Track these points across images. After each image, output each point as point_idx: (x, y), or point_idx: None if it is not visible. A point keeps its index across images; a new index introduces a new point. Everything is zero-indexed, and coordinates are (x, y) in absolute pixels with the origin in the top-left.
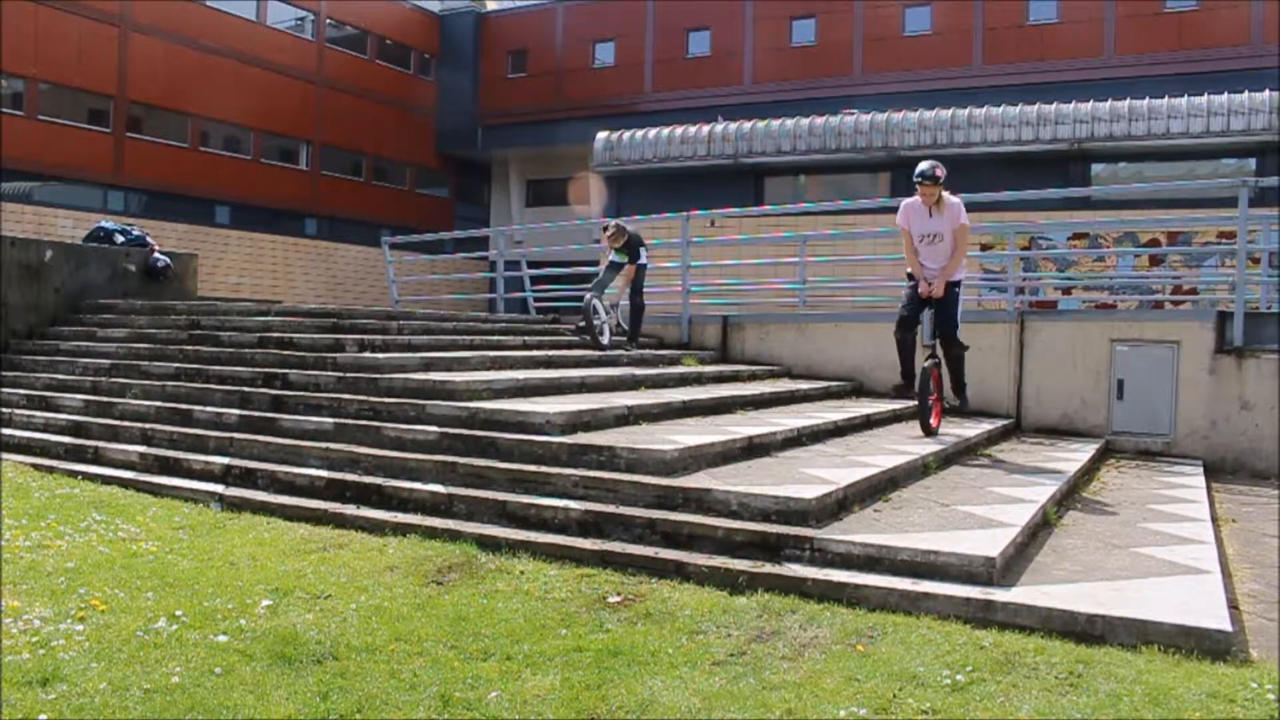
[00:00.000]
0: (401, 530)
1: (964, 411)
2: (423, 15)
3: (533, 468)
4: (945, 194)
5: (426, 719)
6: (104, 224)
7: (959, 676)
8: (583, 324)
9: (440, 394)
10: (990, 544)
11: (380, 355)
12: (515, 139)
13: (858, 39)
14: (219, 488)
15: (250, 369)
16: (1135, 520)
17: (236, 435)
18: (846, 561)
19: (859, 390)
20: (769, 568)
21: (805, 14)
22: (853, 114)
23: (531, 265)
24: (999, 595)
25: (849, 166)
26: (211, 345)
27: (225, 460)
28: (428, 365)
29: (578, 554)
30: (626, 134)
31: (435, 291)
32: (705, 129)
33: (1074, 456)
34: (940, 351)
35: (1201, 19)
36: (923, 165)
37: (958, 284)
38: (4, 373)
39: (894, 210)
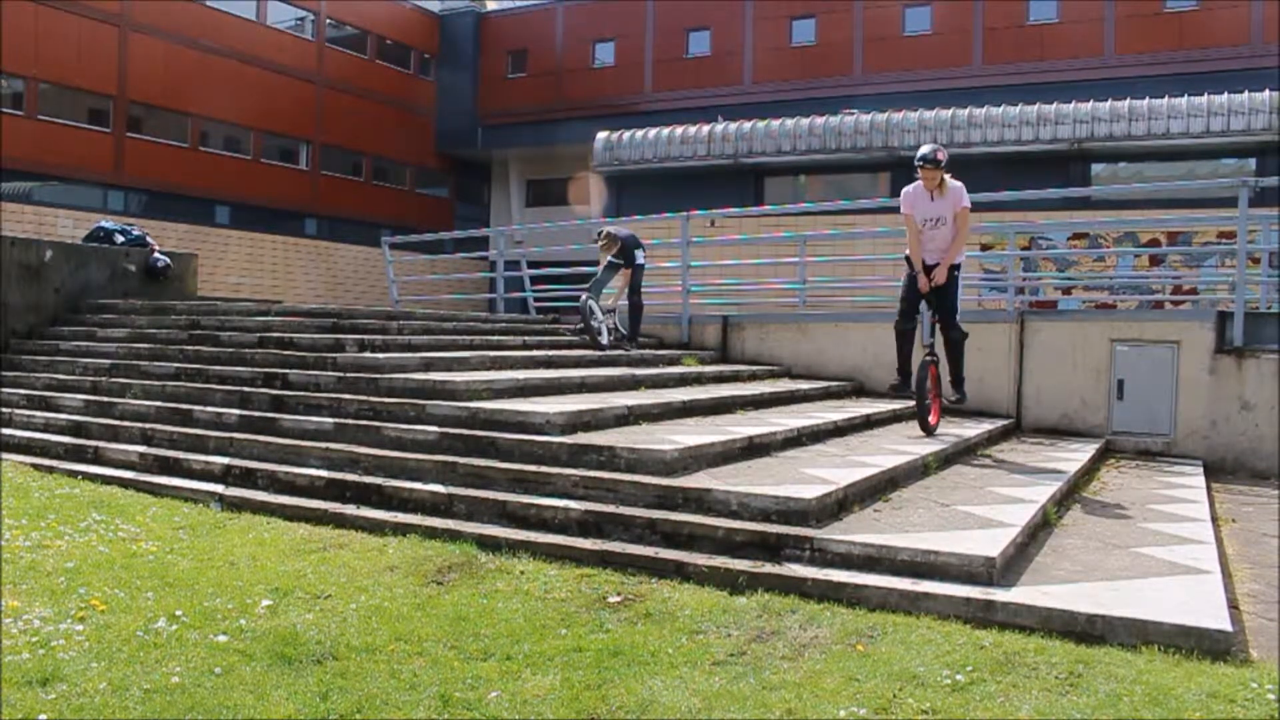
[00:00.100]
0: (401, 530)
1: (962, 407)
2: (423, 15)
3: (533, 468)
4: (947, 177)
5: (426, 719)
6: (104, 224)
7: (959, 676)
8: (581, 325)
9: (440, 394)
10: (990, 544)
11: (380, 355)
12: (515, 139)
13: (858, 39)
14: (219, 488)
15: (250, 369)
16: (1135, 520)
17: (236, 435)
18: (846, 561)
19: (859, 390)
20: (769, 568)
21: (805, 14)
22: (853, 114)
23: (531, 265)
24: (999, 595)
25: (849, 166)
26: (211, 345)
27: (225, 460)
28: (428, 365)
29: (578, 554)
30: (626, 134)
31: (435, 291)
32: (705, 129)
33: (1074, 456)
34: (939, 343)
35: (1201, 19)
36: (924, 149)
37: (957, 267)
38: (4, 373)
39: (894, 210)
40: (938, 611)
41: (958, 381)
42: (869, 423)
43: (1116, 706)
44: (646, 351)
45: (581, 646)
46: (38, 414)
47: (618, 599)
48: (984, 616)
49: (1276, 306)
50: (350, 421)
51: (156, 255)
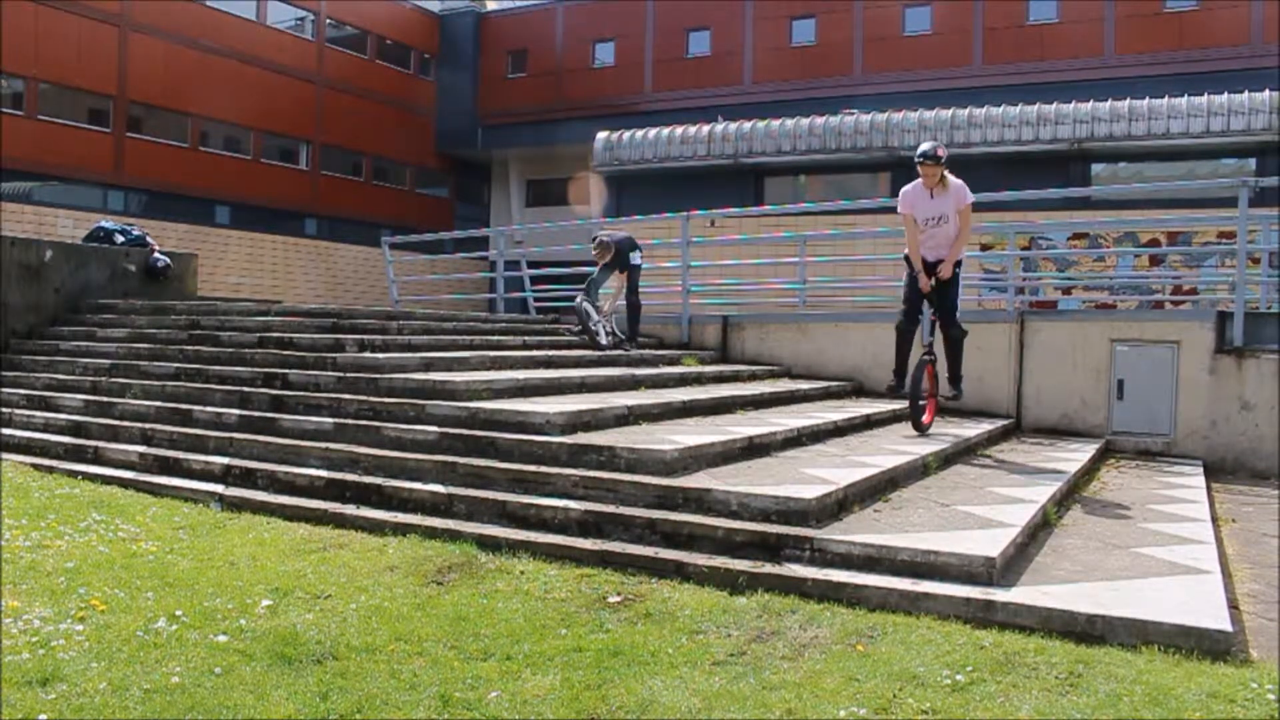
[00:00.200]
0: (401, 530)
1: (962, 406)
2: (423, 15)
3: (533, 468)
4: (947, 174)
5: (426, 719)
6: (104, 224)
7: (959, 676)
8: (579, 326)
9: (440, 394)
10: (990, 544)
11: (380, 355)
12: (515, 139)
13: (858, 39)
14: (219, 488)
15: (250, 369)
16: (1135, 520)
17: (236, 435)
18: (846, 561)
19: (859, 390)
20: (769, 568)
21: (805, 14)
22: (853, 114)
23: (531, 265)
24: (999, 595)
25: (849, 166)
26: (211, 345)
27: (225, 460)
28: (428, 365)
29: (578, 554)
30: (626, 134)
31: (435, 291)
32: (705, 129)
33: (1074, 456)
34: (938, 342)
35: (1201, 19)
36: (925, 145)
37: (958, 264)
38: (4, 373)
39: (894, 210)
40: (938, 611)
41: (955, 379)
42: (869, 423)
43: (1116, 706)
44: (646, 351)
45: (581, 646)
46: (38, 414)
47: (618, 599)
48: (984, 616)
49: (1276, 306)
50: (350, 421)
51: (156, 255)
